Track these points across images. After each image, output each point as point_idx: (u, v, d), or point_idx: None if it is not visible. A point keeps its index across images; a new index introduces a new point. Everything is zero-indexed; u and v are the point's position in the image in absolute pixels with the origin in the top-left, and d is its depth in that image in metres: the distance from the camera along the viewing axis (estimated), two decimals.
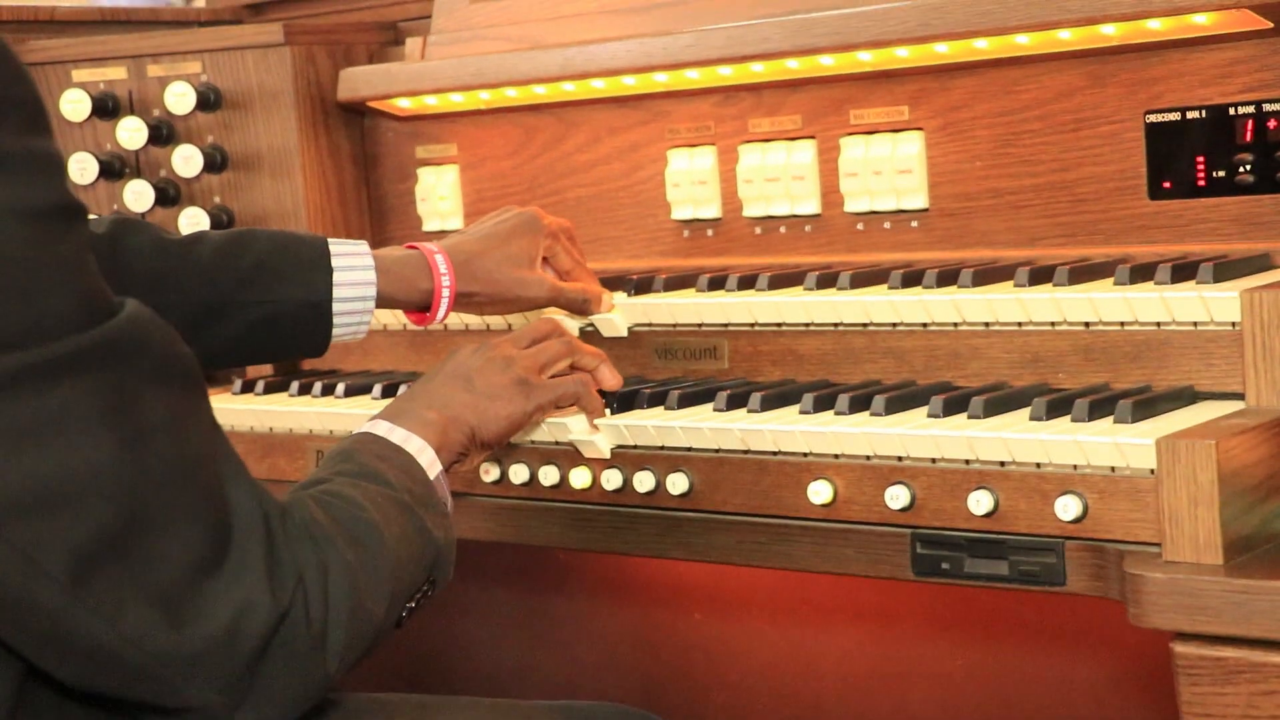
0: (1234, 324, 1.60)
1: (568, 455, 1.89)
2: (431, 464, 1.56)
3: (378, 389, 2.11)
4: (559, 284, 1.95)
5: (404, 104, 2.34)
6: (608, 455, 1.85)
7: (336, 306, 1.80)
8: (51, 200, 1.11)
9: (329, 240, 1.83)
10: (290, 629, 1.23)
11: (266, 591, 1.21)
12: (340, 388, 2.16)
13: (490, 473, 1.95)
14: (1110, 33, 1.79)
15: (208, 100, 2.35)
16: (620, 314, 2.01)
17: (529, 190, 2.31)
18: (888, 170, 2.00)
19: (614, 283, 2.07)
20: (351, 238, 2.40)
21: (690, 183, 2.16)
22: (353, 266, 1.82)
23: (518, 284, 1.91)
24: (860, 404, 1.74)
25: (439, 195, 2.38)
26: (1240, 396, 1.60)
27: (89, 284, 1.14)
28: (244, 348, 1.80)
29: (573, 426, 1.85)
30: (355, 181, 2.44)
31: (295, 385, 2.21)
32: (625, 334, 2.01)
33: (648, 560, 2.36)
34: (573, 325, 2.02)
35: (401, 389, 2.01)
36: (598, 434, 1.85)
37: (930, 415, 1.68)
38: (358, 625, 1.30)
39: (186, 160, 2.34)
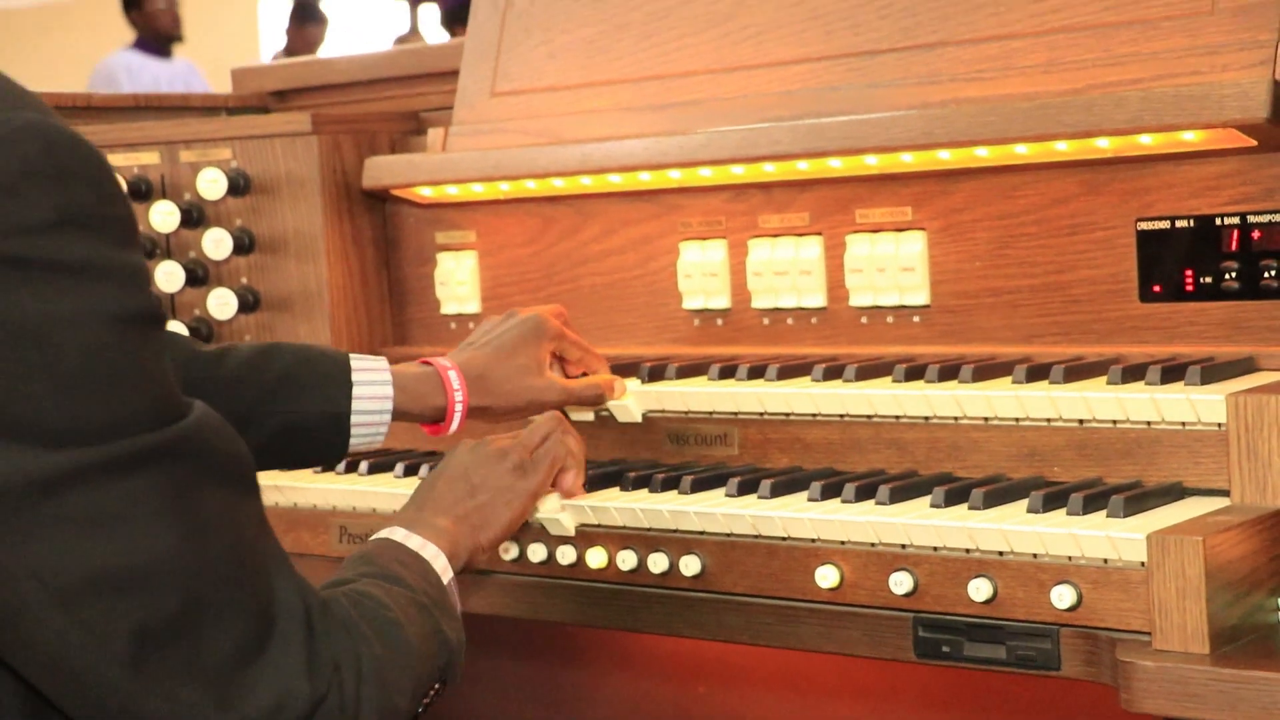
0: (1220, 425, 1.70)
1: (583, 536, 1.98)
2: (444, 570, 1.67)
3: (400, 467, 2.20)
4: (569, 385, 2.05)
5: (426, 192, 2.44)
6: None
7: (354, 419, 1.91)
8: (138, 308, 1.21)
9: (350, 356, 1.94)
10: (325, 714, 1.33)
11: (305, 678, 1.31)
12: (363, 465, 2.25)
13: (510, 551, 2.04)
14: (1104, 146, 1.89)
15: (238, 185, 2.45)
16: (634, 400, 2.10)
17: (545, 277, 2.41)
18: (891, 267, 2.10)
19: (627, 369, 2.17)
20: (371, 320, 2.52)
21: (701, 274, 2.26)
22: (371, 382, 1.93)
23: (529, 391, 2.02)
24: (866, 493, 1.84)
25: (458, 280, 2.47)
26: (1226, 494, 1.69)
27: (163, 386, 1.24)
28: (266, 454, 1.90)
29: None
30: (376, 264, 2.54)
31: (342, 464, 2.30)
32: (639, 419, 2.11)
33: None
34: (589, 415, 2.12)
35: (423, 469, 2.11)
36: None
37: (933, 505, 1.78)
38: (384, 714, 1.40)
39: (216, 243, 2.44)
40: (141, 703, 1.23)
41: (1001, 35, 2.04)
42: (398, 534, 1.68)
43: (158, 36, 8.89)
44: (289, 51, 9.58)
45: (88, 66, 9.03)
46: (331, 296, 2.47)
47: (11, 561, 1.17)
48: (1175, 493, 1.74)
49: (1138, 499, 1.69)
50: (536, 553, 2.02)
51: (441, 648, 1.55)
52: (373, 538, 1.69)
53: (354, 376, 1.91)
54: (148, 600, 1.21)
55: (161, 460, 1.22)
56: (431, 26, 10.03)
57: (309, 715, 1.31)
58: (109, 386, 1.19)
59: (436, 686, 1.56)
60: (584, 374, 2.11)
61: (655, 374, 2.14)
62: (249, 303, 2.48)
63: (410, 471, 2.19)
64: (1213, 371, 1.77)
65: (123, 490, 1.19)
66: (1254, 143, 1.81)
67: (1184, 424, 1.74)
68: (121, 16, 8.93)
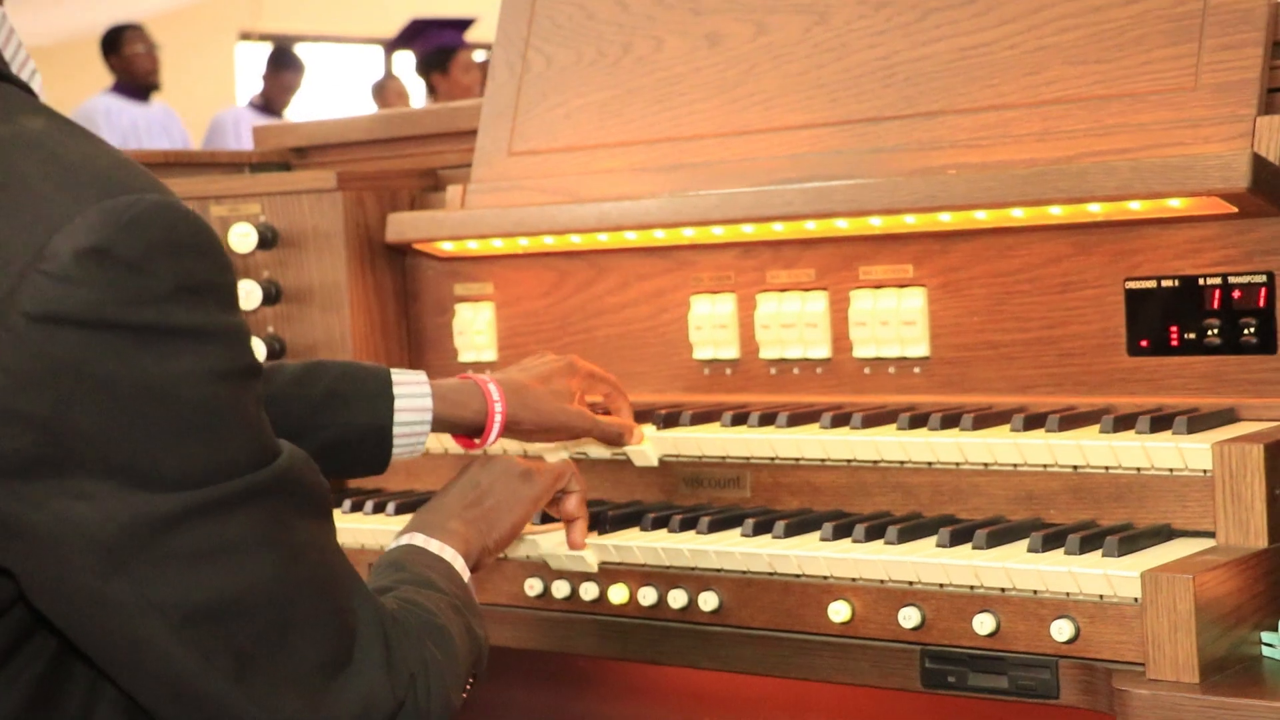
0: (1206, 471, 1.84)
1: (606, 574, 2.10)
2: (463, 570, 1.81)
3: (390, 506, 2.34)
4: (597, 418, 2.17)
5: (447, 246, 2.57)
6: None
7: (396, 430, 2.02)
8: (242, 364, 1.33)
9: (392, 370, 2.05)
10: (405, 718, 1.45)
11: (387, 686, 1.44)
12: (391, 506, 2.37)
13: (534, 588, 2.16)
14: (1095, 210, 2.04)
15: (266, 239, 2.57)
16: (651, 445, 2.23)
17: (561, 328, 2.54)
18: (894, 321, 2.23)
19: (643, 415, 2.29)
20: (392, 366, 2.64)
21: (712, 326, 2.39)
22: (412, 394, 2.04)
23: (562, 413, 2.12)
24: (875, 533, 1.97)
25: (475, 330, 2.60)
26: (1211, 535, 1.83)
27: (261, 431, 1.36)
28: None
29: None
30: (397, 315, 2.66)
31: (348, 503, 2.42)
32: (656, 464, 2.24)
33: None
34: (607, 454, 2.25)
35: None
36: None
37: (939, 545, 1.91)
38: (447, 713, 1.53)
39: (246, 294, 2.56)
40: (245, 713, 1.35)
41: (998, 105, 2.18)
42: (418, 539, 1.81)
43: (136, 81, 9.02)
44: (265, 96, 9.70)
45: (66, 109, 9.12)
46: (354, 345, 2.58)
47: (136, 597, 1.28)
48: (1165, 534, 1.87)
49: (1130, 539, 1.82)
50: (560, 589, 2.14)
51: (474, 644, 1.68)
52: (394, 544, 1.81)
53: (395, 390, 2.01)
54: (251, 622, 1.33)
55: (261, 497, 1.34)
56: (407, 73, 10.17)
57: (392, 718, 1.44)
58: (217, 435, 1.31)
59: (471, 680, 1.69)
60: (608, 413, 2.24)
61: (670, 420, 2.27)
62: (275, 351, 2.59)
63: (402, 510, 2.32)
64: (1198, 421, 1.91)
65: (229, 526, 1.31)
66: (1235, 209, 1.95)
67: (1172, 470, 1.88)
68: (100, 61, 9.05)
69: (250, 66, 11.10)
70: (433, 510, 1.90)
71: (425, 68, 8.28)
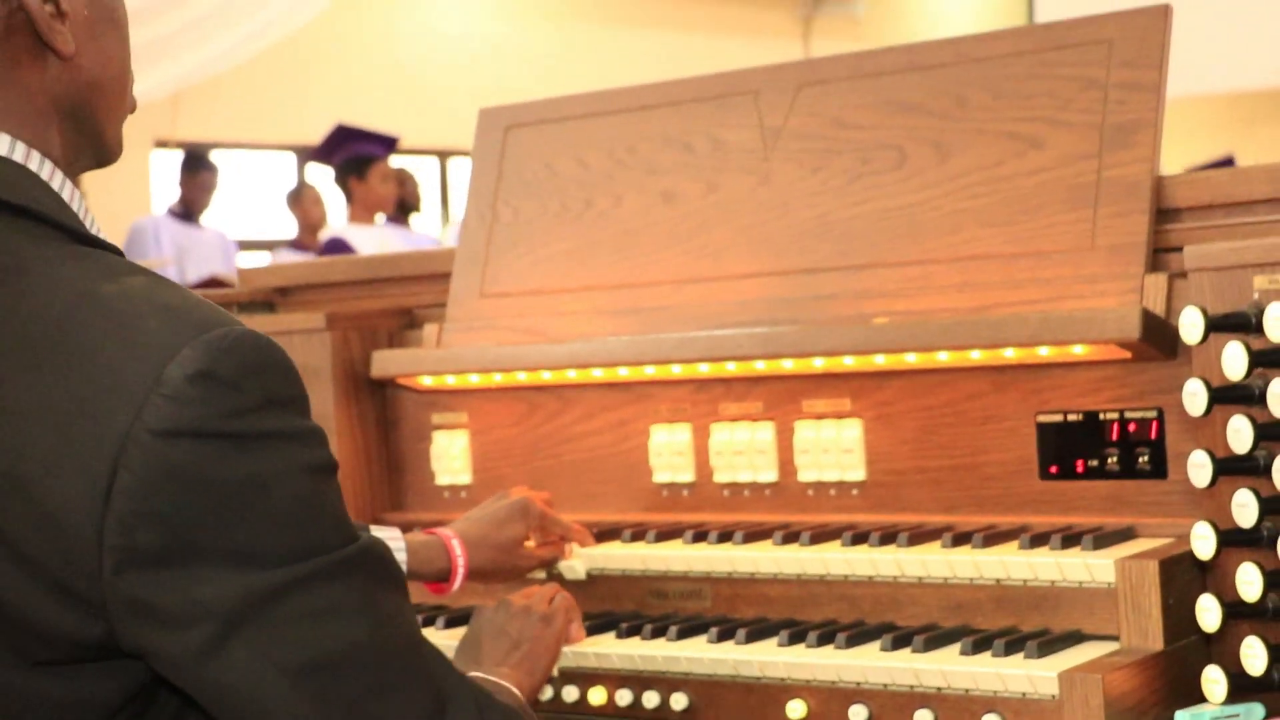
0: (1109, 584, 2.15)
1: (585, 677, 2.37)
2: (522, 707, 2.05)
3: (440, 620, 2.59)
4: (540, 556, 2.53)
5: (427, 381, 2.84)
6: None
7: None
8: (321, 461, 1.59)
9: (371, 527, 2.33)
10: None
11: None
12: (440, 620, 2.61)
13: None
14: (1010, 355, 2.35)
15: None
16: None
17: (531, 453, 2.81)
18: (834, 449, 2.53)
19: (609, 533, 2.58)
20: (374, 489, 2.91)
21: (670, 453, 2.68)
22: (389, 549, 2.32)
23: (511, 561, 2.49)
24: (826, 639, 2.25)
25: (451, 455, 2.87)
26: (1116, 639, 2.13)
27: (343, 515, 1.62)
28: None
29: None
30: (378, 441, 2.93)
31: None
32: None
33: None
34: (581, 569, 2.54)
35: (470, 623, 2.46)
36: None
37: (882, 649, 2.20)
38: None
39: None
40: None
41: (922, 260, 2.50)
42: (481, 676, 2.05)
43: None
44: (183, 202, 9.90)
45: None
46: (341, 470, 2.84)
47: (258, 659, 1.53)
48: (1076, 638, 2.18)
49: (1048, 644, 2.12)
50: (544, 692, 2.40)
51: None
52: None
53: None
54: (356, 678, 1.57)
55: (350, 570, 1.58)
56: (321, 180, 10.42)
57: None
58: (308, 519, 1.56)
59: None
60: (560, 540, 2.55)
61: (636, 537, 2.56)
62: None
63: (451, 624, 2.58)
64: (1102, 539, 2.22)
65: (327, 594, 1.56)
66: (1129, 355, 2.28)
67: (1081, 582, 2.18)
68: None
69: (166, 173, 11.30)
70: (474, 660, 2.15)
71: (343, 174, 8.52)
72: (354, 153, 8.22)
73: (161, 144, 11.57)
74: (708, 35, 14.58)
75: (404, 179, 9.34)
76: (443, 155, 13.38)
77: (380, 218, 8.64)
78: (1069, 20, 2.48)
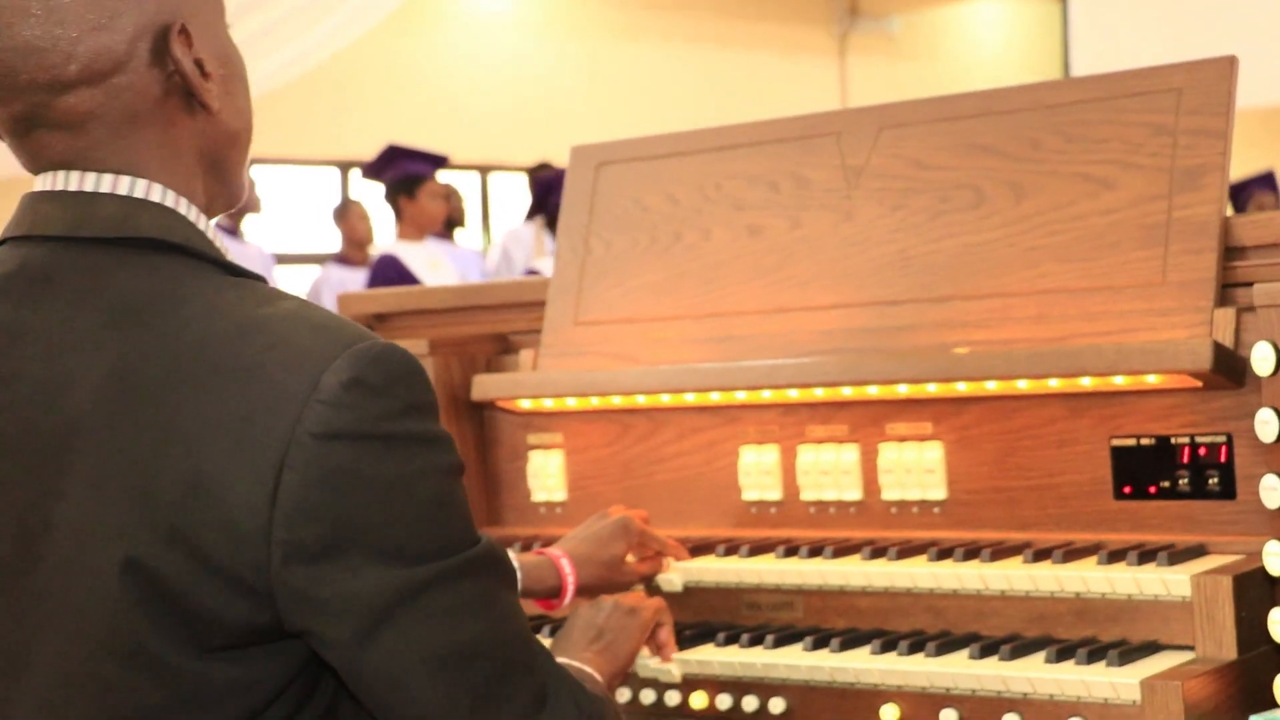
0: (1184, 597, 2.31)
1: (687, 683, 2.54)
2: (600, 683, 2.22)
3: (546, 629, 2.75)
4: (640, 573, 2.68)
5: (525, 404, 3.01)
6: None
7: None
8: (455, 464, 1.76)
9: None
10: None
11: None
12: (545, 629, 2.76)
13: (624, 695, 2.59)
14: (1086, 384, 2.51)
15: None
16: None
17: (624, 473, 2.98)
18: (916, 470, 2.70)
19: (702, 548, 2.75)
20: (473, 507, 3.06)
21: (758, 473, 2.84)
22: None
23: (614, 577, 2.63)
24: (916, 648, 2.42)
25: (547, 473, 3.04)
26: (1191, 649, 2.29)
27: (470, 517, 1.79)
28: None
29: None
30: (477, 460, 3.09)
31: None
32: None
33: None
34: (678, 582, 2.70)
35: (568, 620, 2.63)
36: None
37: (970, 657, 2.36)
38: None
39: None
40: None
41: (1000, 293, 2.66)
42: (563, 660, 2.22)
43: None
44: (229, 217, 10.11)
45: None
46: None
47: (402, 648, 1.70)
48: (1152, 648, 2.34)
49: (1127, 653, 2.28)
50: (647, 696, 2.57)
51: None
52: None
53: None
54: (480, 667, 1.74)
55: (479, 568, 1.76)
56: (367, 196, 10.59)
57: None
58: (445, 518, 1.73)
59: None
60: (658, 555, 2.71)
61: (730, 551, 2.72)
62: None
63: (555, 631, 2.72)
64: (1176, 556, 2.38)
65: (458, 591, 1.73)
66: (1200, 384, 2.44)
67: (1157, 596, 2.34)
68: None
69: None
70: (562, 649, 2.32)
71: (394, 192, 8.68)
72: (404, 171, 8.38)
73: None
74: (744, 51, 14.77)
75: (450, 194, 9.52)
76: (484, 170, 13.58)
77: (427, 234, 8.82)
78: (1139, 69, 2.64)
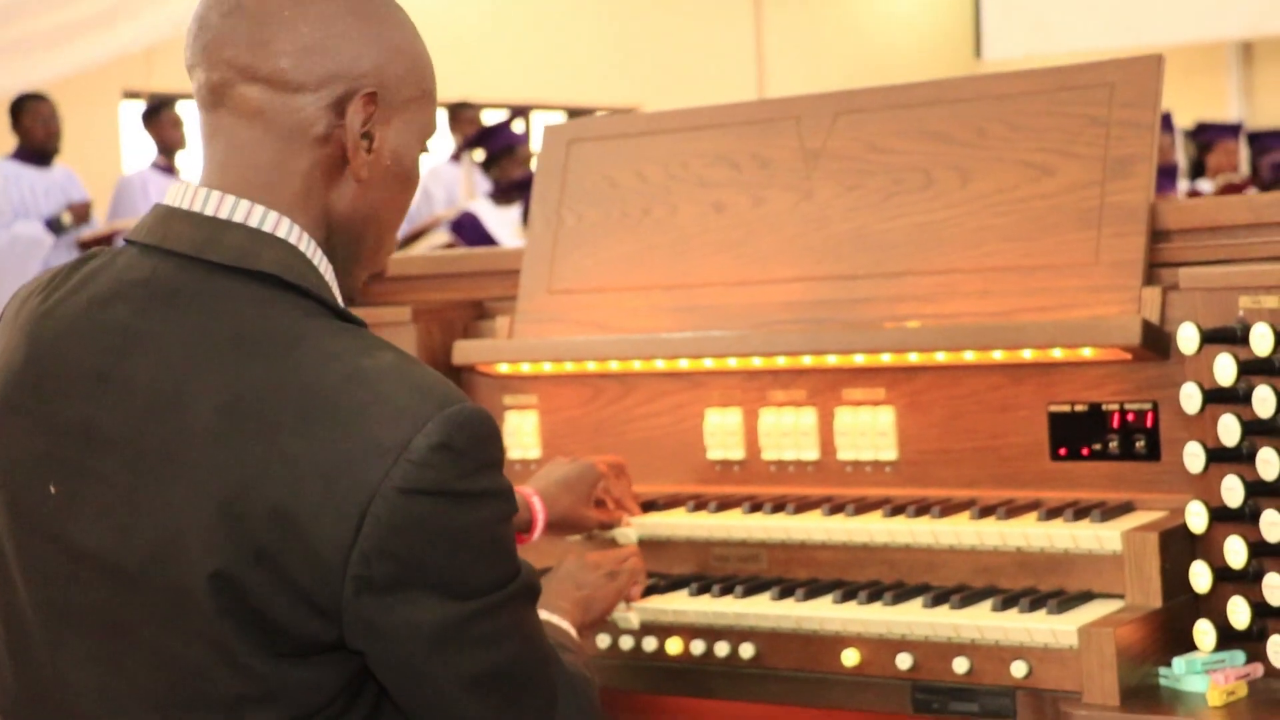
0: (1116, 551, 2.56)
1: (663, 629, 2.78)
2: (575, 634, 2.45)
3: None
4: (599, 517, 2.89)
5: (503, 368, 3.22)
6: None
7: None
8: (510, 511, 1.97)
9: None
10: None
11: None
12: None
13: (604, 641, 2.82)
14: (1027, 355, 2.76)
15: None
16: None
17: (596, 433, 3.20)
18: (870, 432, 2.94)
19: (671, 502, 2.98)
20: None
21: (722, 433, 3.07)
22: None
23: (578, 517, 2.85)
24: (874, 597, 2.66)
25: (523, 432, 3.25)
26: (1121, 597, 2.55)
27: (514, 553, 2.00)
28: None
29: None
30: None
31: None
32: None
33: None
34: (633, 535, 2.93)
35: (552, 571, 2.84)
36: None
37: (924, 606, 2.61)
38: None
39: None
40: None
41: (949, 270, 2.90)
42: (543, 613, 2.43)
43: (35, 147, 9.49)
44: (161, 153, 10.16)
45: None
46: None
47: (451, 671, 1.91)
48: (1087, 597, 2.59)
49: (1065, 602, 2.54)
50: (626, 642, 2.81)
51: (594, 686, 2.32)
52: None
53: None
54: (512, 684, 1.97)
55: (515, 599, 1.98)
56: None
57: None
58: (497, 557, 1.94)
59: None
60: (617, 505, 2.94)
61: (699, 507, 2.95)
62: None
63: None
64: (1107, 513, 2.64)
65: (499, 620, 1.94)
66: (1129, 357, 2.69)
67: (1091, 550, 2.60)
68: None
69: (135, 125, 11.51)
70: (545, 600, 2.54)
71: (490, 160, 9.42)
72: (503, 143, 9.19)
73: (132, 95, 11.79)
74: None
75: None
76: None
77: None
78: (1078, 65, 2.88)
